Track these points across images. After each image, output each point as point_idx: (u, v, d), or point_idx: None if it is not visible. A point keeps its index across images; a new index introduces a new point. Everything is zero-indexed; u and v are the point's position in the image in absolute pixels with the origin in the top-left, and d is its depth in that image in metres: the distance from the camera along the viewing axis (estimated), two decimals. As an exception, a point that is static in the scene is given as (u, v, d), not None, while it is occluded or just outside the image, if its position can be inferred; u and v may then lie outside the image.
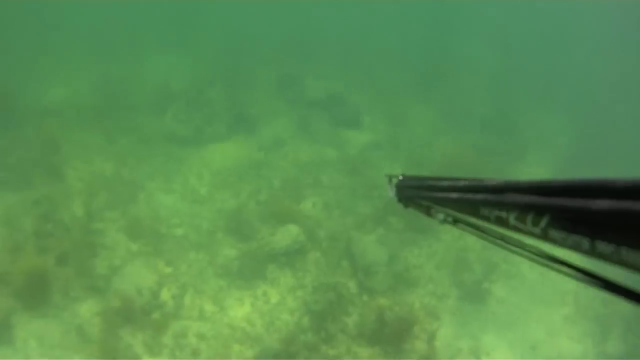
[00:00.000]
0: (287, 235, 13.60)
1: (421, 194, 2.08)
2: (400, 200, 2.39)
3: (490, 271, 14.18)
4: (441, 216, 1.93)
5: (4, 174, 15.11)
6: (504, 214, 1.37)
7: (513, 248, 1.50)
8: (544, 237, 1.20)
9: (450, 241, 14.99)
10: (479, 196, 1.50)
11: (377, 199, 15.66)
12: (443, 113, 23.46)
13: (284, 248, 13.40)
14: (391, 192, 2.44)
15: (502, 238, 1.54)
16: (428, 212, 2.06)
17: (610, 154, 19.90)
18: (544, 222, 1.20)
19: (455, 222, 1.84)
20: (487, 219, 1.49)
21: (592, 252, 1.03)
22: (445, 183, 1.84)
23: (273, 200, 15.14)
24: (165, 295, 12.09)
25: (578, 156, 20.22)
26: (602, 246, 1.00)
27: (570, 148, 21.67)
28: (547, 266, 1.38)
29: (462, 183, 1.68)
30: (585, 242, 1.05)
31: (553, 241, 1.17)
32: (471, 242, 14.68)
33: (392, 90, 25.01)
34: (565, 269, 1.32)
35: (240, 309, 12.21)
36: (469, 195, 1.58)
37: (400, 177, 2.40)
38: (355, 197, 16.04)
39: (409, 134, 21.17)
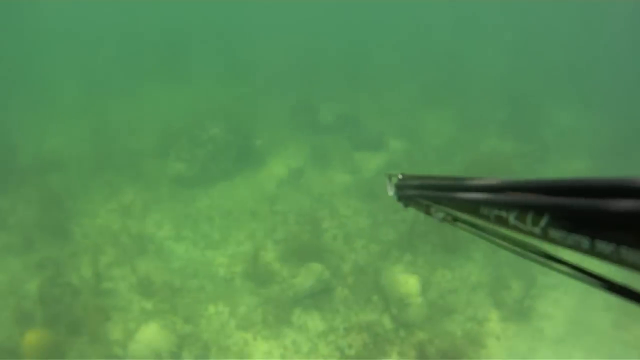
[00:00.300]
0: (310, 274, 12.68)
1: (421, 193, 2.05)
2: (399, 199, 2.35)
3: (530, 286, 13.12)
4: (440, 215, 1.91)
5: (5, 237, 14.54)
6: (503, 213, 1.34)
7: (512, 247, 1.48)
8: (544, 236, 1.19)
9: (482, 259, 14.07)
10: (479, 195, 1.47)
11: (400, 223, 14.79)
12: (458, 122, 22.69)
13: (308, 289, 12.47)
14: (390, 191, 2.41)
15: (502, 237, 1.52)
16: (427, 211, 2.03)
17: (635, 145, 19.14)
18: (543, 221, 1.18)
19: (455, 221, 1.82)
20: (486, 218, 1.45)
21: (592, 252, 1.02)
22: (444, 182, 1.83)
23: (291, 238, 14.21)
24: (187, 357, 11.15)
25: (604, 150, 19.40)
26: (602, 245, 0.99)
27: (594, 142, 20.74)
28: (547, 265, 1.36)
29: (461, 182, 1.65)
30: (585, 242, 1.03)
31: (553, 241, 1.16)
32: (504, 257, 13.73)
33: (403, 105, 24.35)
34: (565, 268, 1.30)
35: (270, 363, 11.30)
36: (469, 194, 1.54)
37: (400, 176, 2.37)
38: (377, 224, 15.14)
39: (425, 148, 20.34)
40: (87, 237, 14.54)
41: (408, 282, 12.59)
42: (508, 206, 1.32)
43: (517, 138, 20.64)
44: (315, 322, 12.14)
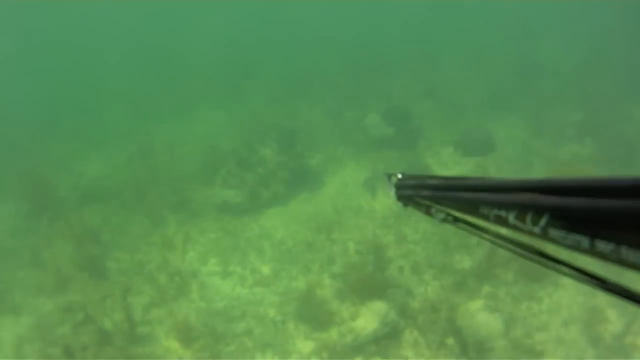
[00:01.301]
0: (374, 315, 10.83)
1: (421, 193, 1.94)
2: (399, 199, 2.20)
3: (631, 318, 10.88)
4: (441, 215, 1.82)
5: (37, 274, 13.51)
6: (503, 213, 1.31)
7: (512, 248, 1.43)
8: (544, 236, 1.16)
9: (573, 285, 11.83)
10: (478, 195, 1.43)
11: (476, 247, 12.84)
12: (531, 126, 20.50)
13: (371, 334, 10.60)
14: (390, 191, 2.27)
15: (501, 237, 1.47)
16: (428, 211, 1.92)
17: None
18: (543, 221, 1.16)
19: (455, 221, 1.73)
20: (486, 218, 1.41)
21: (592, 251, 1.01)
22: (444, 182, 1.79)
23: (351, 271, 12.33)
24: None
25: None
26: (602, 245, 0.97)
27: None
28: (546, 266, 1.31)
29: (461, 182, 1.60)
30: (585, 241, 1.02)
31: (552, 240, 1.13)
32: (599, 281, 11.51)
33: (469, 111, 22.38)
34: (564, 268, 1.25)
35: None
36: (469, 194, 1.49)
37: (400, 176, 2.26)
38: (449, 249, 13.20)
39: (499, 159, 18.28)
40: (124, 275, 13.27)
41: (489, 322, 10.68)
42: (507, 206, 1.29)
43: (598, 141, 18.35)
44: (380, 373, 10.28)
